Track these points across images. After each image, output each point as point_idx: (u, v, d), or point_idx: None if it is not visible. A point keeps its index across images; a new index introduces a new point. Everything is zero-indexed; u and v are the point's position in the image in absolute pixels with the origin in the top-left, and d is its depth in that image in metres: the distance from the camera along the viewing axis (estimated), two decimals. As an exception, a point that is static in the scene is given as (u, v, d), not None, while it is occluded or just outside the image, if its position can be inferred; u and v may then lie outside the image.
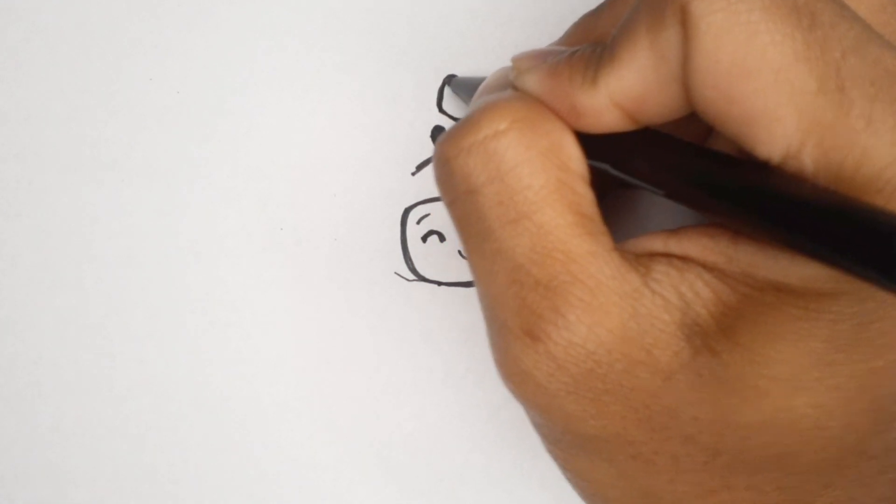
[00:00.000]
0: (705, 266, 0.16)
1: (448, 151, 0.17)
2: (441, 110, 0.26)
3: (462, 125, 0.17)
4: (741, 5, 0.15)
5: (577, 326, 0.16)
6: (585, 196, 0.17)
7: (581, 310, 0.16)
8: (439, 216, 0.26)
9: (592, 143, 0.17)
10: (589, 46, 0.17)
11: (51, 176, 0.27)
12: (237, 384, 0.26)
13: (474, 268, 0.18)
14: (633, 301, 0.16)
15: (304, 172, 0.26)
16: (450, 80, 0.26)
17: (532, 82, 0.18)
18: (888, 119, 0.14)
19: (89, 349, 0.27)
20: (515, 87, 0.18)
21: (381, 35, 0.26)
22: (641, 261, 0.17)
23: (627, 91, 0.16)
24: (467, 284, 0.26)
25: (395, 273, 0.26)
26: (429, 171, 0.26)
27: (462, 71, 0.26)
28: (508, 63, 0.19)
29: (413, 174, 0.26)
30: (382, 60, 0.26)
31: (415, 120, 0.26)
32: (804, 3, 0.15)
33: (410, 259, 0.26)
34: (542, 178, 0.17)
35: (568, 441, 0.18)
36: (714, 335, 0.16)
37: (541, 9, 0.26)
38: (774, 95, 0.14)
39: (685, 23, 0.15)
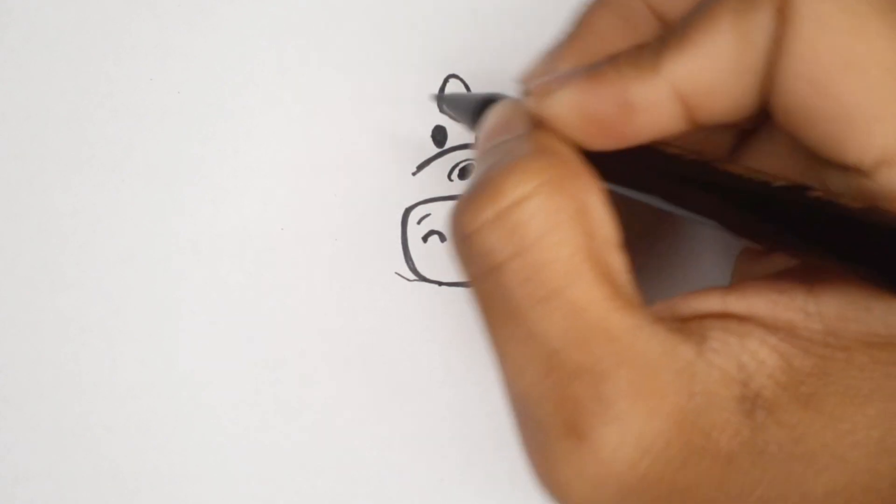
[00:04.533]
0: (772, 327, 0.15)
1: (467, 225, 0.15)
2: (441, 110, 0.26)
3: (481, 192, 0.15)
4: None
5: (630, 417, 0.14)
6: (618, 264, 0.15)
7: (633, 397, 0.14)
8: (439, 216, 0.26)
9: (636, 172, 0.16)
10: (635, 47, 0.16)
11: (51, 176, 0.27)
12: (237, 384, 0.26)
13: (501, 357, 0.16)
14: (688, 379, 0.14)
15: (305, 172, 0.26)
16: (439, 98, 0.25)
17: (566, 99, 0.16)
18: None
19: (89, 349, 0.27)
20: (533, 119, 0.17)
21: (381, 35, 0.26)
22: (692, 328, 0.15)
23: (696, 78, 0.15)
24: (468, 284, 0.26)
25: (396, 273, 0.26)
26: (429, 171, 0.26)
27: (462, 71, 0.26)
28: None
29: (413, 174, 0.26)
30: (382, 60, 0.26)
31: (415, 120, 0.26)
32: None
33: (411, 259, 0.26)
34: (571, 247, 0.15)
35: None
36: (785, 406, 0.14)
37: (542, 8, 0.26)
38: (879, 92, 0.13)
39: (784, 7, 0.14)
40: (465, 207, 0.16)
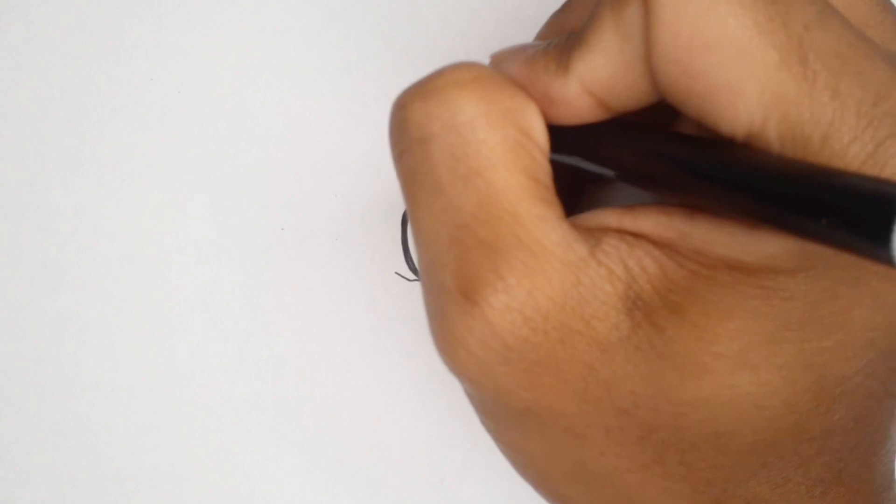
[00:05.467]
0: (657, 242, 0.16)
1: (404, 98, 0.17)
2: None
3: (424, 76, 0.17)
4: None
5: (516, 290, 0.16)
6: (542, 164, 0.17)
7: (522, 273, 0.16)
8: (440, 216, 0.26)
9: (554, 135, 0.17)
10: (565, 36, 0.17)
11: (51, 176, 0.27)
12: (238, 384, 0.26)
13: (417, 225, 0.17)
14: (576, 270, 0.16)
15: (305, 172, 0.26)
16: None
17: (507, 72, 0.17)
18: (855, 91, 0.14)
19: (89, 349, 0.27)
20: None
21: (382, 35, 0.26)
22: (592, 233, 0.17)
23: (597, 76, 0.16)
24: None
25: (396, 273, 0.26)
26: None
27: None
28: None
29: (413, 174, 0.26)
30: (382, 60, 0.26)
31: (415, 120, 0.26)
32: None
33: (411, 259, 0.26)
34: (500, 135, 0.16)
35: (500, 413, 0.17)
36: (659, 310, 0.16)
37: (542, 8, 0.26)
38: (735, 68, 0.14)
39: None
40: (408, 87, 0.17)
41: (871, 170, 0.14)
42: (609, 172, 0.17)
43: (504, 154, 0.16)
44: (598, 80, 0.16)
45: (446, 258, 0.16)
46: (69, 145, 0.27)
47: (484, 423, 0.19)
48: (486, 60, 0.26)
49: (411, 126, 0.17)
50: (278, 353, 0.26)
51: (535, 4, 0.26)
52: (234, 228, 0.26)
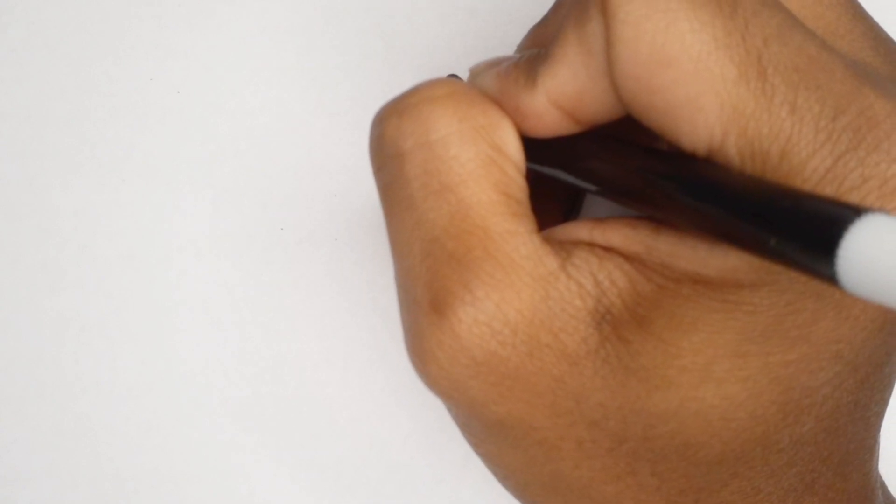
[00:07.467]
0: (626, 256, 0.16)
1: (381, 114, 0.17)
2: None
3: (401, 92, 0.17)
4: None
5: (485, 303, 0.16)
6: (514, 179, 0.17)
7: (491, 287, 0.16)
8: (439, 216, 0.26)
9: (538, 148, 0.17)
10: (536, 50, 0.17)
11: (51, 176, 0.27)
12: (238, 384, 0.26)
13: (392, 239, 0.17)
14: (546, 284, 0.16)
15: (304, 172, 0.26)
16: None
17: (482, 85, 0.18)
18: (813, 106, 0.14)
19: (89, 349, 0.27)
20: None
21: (381, 35, 0.26)
22: (564, 246, 0.17)
23: (563, 89, 0.16)
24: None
25: (396, 273, 0.26)
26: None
27: (463, 71, 0.26)
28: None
29: (413, 174, 0.26)
30: (382, 60, 0.26)
31: (415, 120, 0.26)
32: None
33: (411, 259, 0.26)
34: (472, 151, 0.16)
35: (475, 426, 0.18)
36: (626, 324, 0.16)
37: (541, 9, 0.26)
38: (694, 84, 0.14)
39: (605, 12, 0.15)
40: (384, 104, 0.17)
41: (830, 184, 0.14)
42: (590, 186, 0.17)
43: (476, 170, 0.16)
44: (564, 93, 0.16)
45: (418, 271, 0.16)
46: (69, 145, 0.27)
47: (463, 434, 0.19)
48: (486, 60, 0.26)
49: (387, 142, 0.17)
50: (278, 353, 0.26)
51: (534, 4, 0.26)
52: (234, 228, 0.26)
